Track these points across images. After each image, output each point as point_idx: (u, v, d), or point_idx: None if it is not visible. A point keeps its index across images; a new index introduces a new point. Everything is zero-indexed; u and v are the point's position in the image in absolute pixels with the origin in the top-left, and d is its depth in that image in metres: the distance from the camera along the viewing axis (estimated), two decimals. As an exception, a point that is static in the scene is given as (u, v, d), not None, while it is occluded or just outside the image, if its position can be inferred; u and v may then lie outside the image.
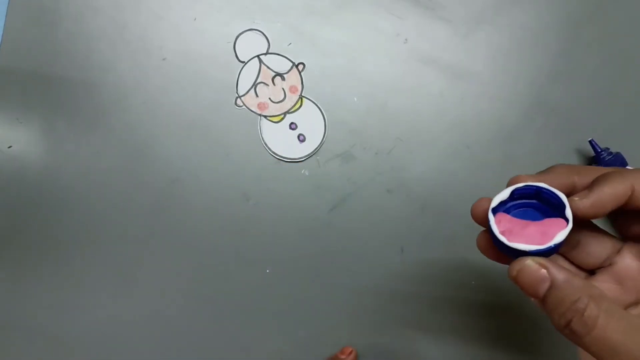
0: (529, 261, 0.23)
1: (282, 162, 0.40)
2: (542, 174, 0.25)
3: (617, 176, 0.23)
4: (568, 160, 0.41)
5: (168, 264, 0.40)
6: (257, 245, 0.40)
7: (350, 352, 0.39)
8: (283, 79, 0.41)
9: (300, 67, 0.41)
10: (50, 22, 0.40)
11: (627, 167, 0.39)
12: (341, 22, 0.41)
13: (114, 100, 0.40)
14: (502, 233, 0.23)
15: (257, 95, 0.40)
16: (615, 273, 0.25)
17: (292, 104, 0.41)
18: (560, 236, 0.23)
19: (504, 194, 0.24)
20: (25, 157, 0.40)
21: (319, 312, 0.40)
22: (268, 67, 0.41)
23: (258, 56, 0.41)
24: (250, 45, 0.40)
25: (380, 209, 0.40)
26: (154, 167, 0.40)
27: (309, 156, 0.40)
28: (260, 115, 0.41)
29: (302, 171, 0.40)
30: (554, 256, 0.27)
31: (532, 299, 0.24)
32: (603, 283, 0.25)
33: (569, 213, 0.23)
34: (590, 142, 0.39)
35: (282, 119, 0.40)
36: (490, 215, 0.24)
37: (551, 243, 0.23)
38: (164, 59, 0.40)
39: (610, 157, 0.39)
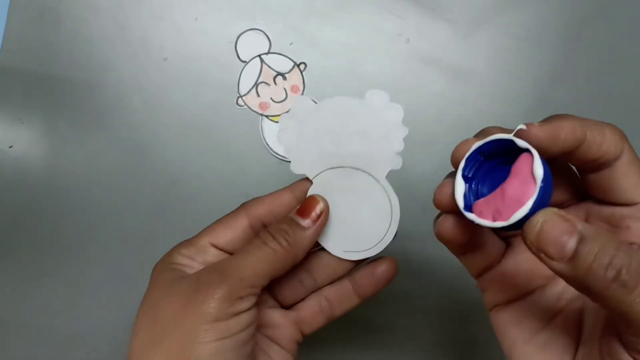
0: (550, 214, 0.19)
1: (283, 162, 0.40)
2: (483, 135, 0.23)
3: (576, 119, 0.22)
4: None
5: (169, 264, 0.40)
6: (259, 245, 0.40)
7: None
8: (285, 78, 0.41)
9: (302, 66, 0.41)
10: (51, 23, 0.40)
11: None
12: (342, 22, 0.41)
13: (115, 100, 0.40)
14: (494, 219, 0.21)
15: (258, 95, 0.40)
16: (500, 273, 0.26)
17: (294, 104, 0.41)
18: (538, 169, 0.20)
19: (461, 186, 0.23)
20: (27, 157, 0.40)
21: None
22: (269, 67, 0.41)
23: (259, 56, 0.41)
24: (251, 45, 0.40)
25: (382, 209, 0.40)
26: (155, 167, 0.40)
27: (311, 156, 0.40)
28: (261, 115, 0.41)
29: (304, 171, 0.40)
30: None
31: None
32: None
33: (523, 144, 0.21)
34: (591, 141, 0.39)
35: (284, 118, 0.40)
36: (469, 215, 0.22)
37: (540, 183, 0.20)
38: (165, 59, 0.40)
39: (611, 156, 0.39)
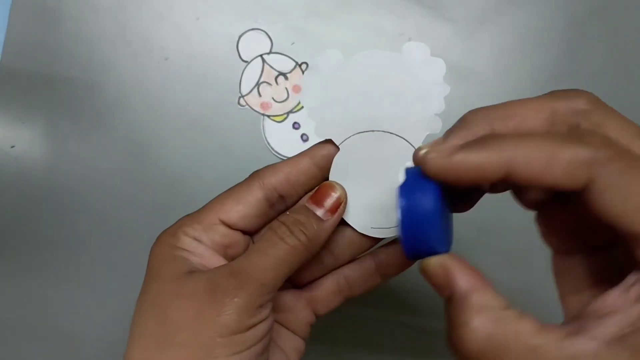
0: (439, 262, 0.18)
1: (285, 162, 0.40)
2: (454, 131, 0.20)
3: (495, 146, 0.17)
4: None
5: (171, 265, 0.40)
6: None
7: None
8: (286, 78, 0.40)
9: (304, 66, 0.41)
10: (52, 23, 0.40)
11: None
12: (344, 21, 0.41)
13: (116, 100, 0.40)
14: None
15: (260, 95, 0.40)
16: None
17: (295, 104, 0.40)
18: (401, 199, 0.18)
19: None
20: (28, 156, 0.40)
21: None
22: (271, 67, 0.40)
23: (261, 56, 0.40)
24: (253, 45, 0.40)
25: (384, 209, 0.40)
26: (156, 167, 0.40)
27: (312, 156, 0.40)
28: (263, 114, 0.40)
29: (305, 171, 0.40)
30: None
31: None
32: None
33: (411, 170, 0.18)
34: (594, 141, 0.39)
35: (285, 118, 0.40)
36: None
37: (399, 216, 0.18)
38: (166, 59, 0.40)
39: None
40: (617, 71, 0.42)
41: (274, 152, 0.40)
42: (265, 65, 0.40)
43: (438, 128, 0.25)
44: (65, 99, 0.40)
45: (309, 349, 0.27)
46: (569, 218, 0.20)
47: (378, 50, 0.24)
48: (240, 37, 0.40)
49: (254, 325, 0.21)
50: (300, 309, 0.26)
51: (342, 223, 0.25)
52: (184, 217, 0.25)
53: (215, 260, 0.24)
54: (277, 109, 0.40)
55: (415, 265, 0.21)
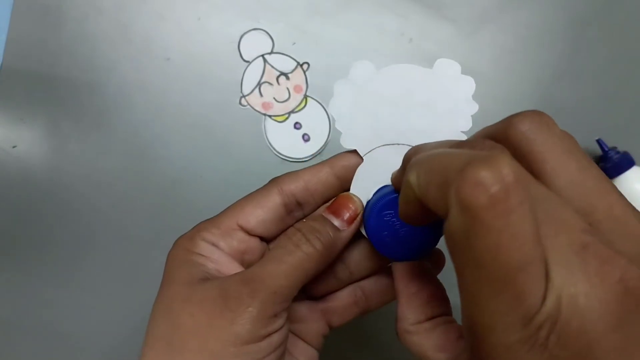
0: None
1: (286, 161, 0.40)
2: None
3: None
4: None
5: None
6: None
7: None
8: (287, 78, 0.40)
9: (305, 66, 0.41)
10: (54, 23, 0.40)
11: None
12: (345, 21, 0.41)
13: (118, 100, 0.40)
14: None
15: (261, 95, 0.40)
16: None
17: (297, 104, 0.40)
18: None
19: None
20: (29, 156, 0.40)
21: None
22: (272, 67, 0.40)
23: (262, 55, 0.40)
24: (254, 45, 0.40)
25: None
26: (158, 167, 0.40)
27: (314, 156, 0.40)
28: (264, 114, 0.40)
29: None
30: None
31: None
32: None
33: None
34: (597, 141, 0.39)
35: (287, 118, 0.40)
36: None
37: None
38: (167, 59, 0.40)
39: (617, 156, 0.39)
40: (619, 70, 0.41)
41: (275, 152, 0.40)
42: (267, 65, 0.40)
43: None
44: (66, 99, 0.40)
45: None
46: None
47: (409, 64, 0.24)
48: (241, 37, 0.40)
49: (268, 335, 0.21)
50: (314, 319, 0.26)
51: (360, 236, 0.25)
52: (202, 221, 0.25)
53: (231, 267, 0.24)
54: (278, 109, 0.40)
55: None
